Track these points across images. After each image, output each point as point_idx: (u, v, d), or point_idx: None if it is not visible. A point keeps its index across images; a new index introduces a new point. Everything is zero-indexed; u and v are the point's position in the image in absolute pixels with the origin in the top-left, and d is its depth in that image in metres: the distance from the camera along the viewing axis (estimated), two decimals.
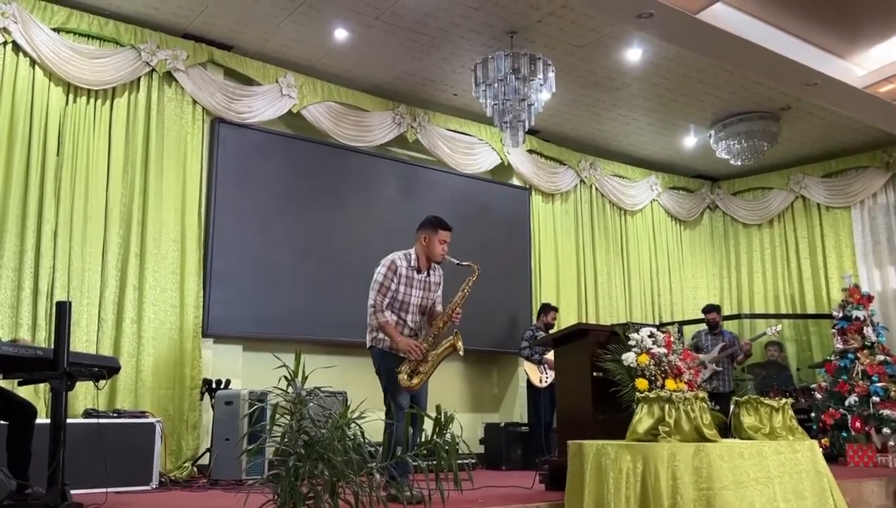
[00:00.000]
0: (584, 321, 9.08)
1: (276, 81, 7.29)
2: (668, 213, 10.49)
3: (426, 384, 4.55)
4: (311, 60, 7.34)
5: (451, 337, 4.48)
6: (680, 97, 8.18)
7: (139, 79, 6.63)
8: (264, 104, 7.22)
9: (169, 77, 6.76)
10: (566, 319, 8.77)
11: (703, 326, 8.51)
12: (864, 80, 6.95)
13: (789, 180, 10.18)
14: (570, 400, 4.79)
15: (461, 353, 4.49)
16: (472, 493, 4.27)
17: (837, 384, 7.68)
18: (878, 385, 7.40)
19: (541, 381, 7.69)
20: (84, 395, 5.81)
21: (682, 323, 9.47)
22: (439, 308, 4.66)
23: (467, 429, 7.98)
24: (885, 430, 7.08)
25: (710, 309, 8.51)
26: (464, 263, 4.65)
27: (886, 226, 9.50)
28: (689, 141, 9.36)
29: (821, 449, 4.47)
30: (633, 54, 7.19)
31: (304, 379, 2.62)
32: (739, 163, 9.01)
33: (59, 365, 3.75)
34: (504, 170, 8.99)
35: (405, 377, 4.32)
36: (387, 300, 4.46)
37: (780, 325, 8.72)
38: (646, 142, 9.52)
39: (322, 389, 2.87)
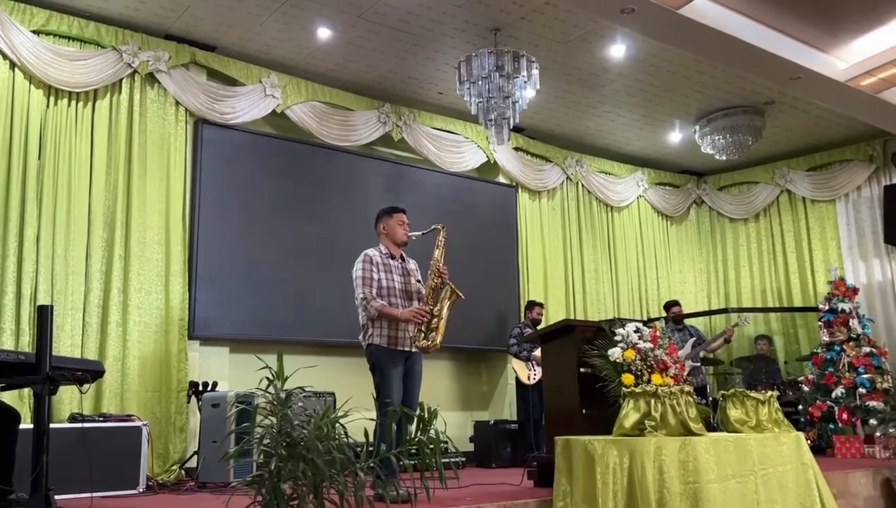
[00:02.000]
0: (571, 317, 9.09)
1: (260, 81, 7.26)
2: (654, 209, 10.52)
3: (419, 383, 4.59)
4: (295, 60, 7.31)
5: (447, 287, 4.61)
6: (664, 93, 8.20)
7: (121, 80, 6.58)
8: (248, 104, 7.19)
9: (151, 78, 6.72)
10: (554, 315, 8.78)
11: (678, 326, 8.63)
12: (847, 74, 6.99)
13: (774, 174, 10.23)
14: (558, 395, 4.79)
15: (462, 296, 4.64)
16: (460, 491, 4.27)
17: (824, 376, 7.72)
18: (865, 376, 7.44)
19: (529, 378, 7.70)
20: (70, 400, 5.77)
21: (668, 319, 9.49)
22: (424, 291, 4.71)
23: (457, 427, 8.00)
24: (872, 421, 7.12)
25: (672, 303, 8.72)
26: (428, 230, 4.80)
27: (871, 219, 9.55)
28: (675, 136, 9.39)
29: (807, 441, 4.50)
30: (617, 50, 7.21)
31: (285, 379, 2.61)
32: (724, 158, 9.05)
33: (41, 370, 3.72)
34: (490, 168, 8.99)
35: (421, 339, 4.47)
36: (374, 290, 4.50)
37: (750, 316, 8.80)
38: (631, 138, 9.54)
39: (307, 389, 2.86)
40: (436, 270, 4.64)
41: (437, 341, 4.53)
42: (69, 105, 6.33)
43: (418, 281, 4.74)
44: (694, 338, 8.26)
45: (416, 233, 4.77)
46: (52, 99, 6.25)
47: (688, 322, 8.90)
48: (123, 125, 6.55)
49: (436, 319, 4.55)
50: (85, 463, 4.69)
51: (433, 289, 4.62)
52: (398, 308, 4.55)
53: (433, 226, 4.82)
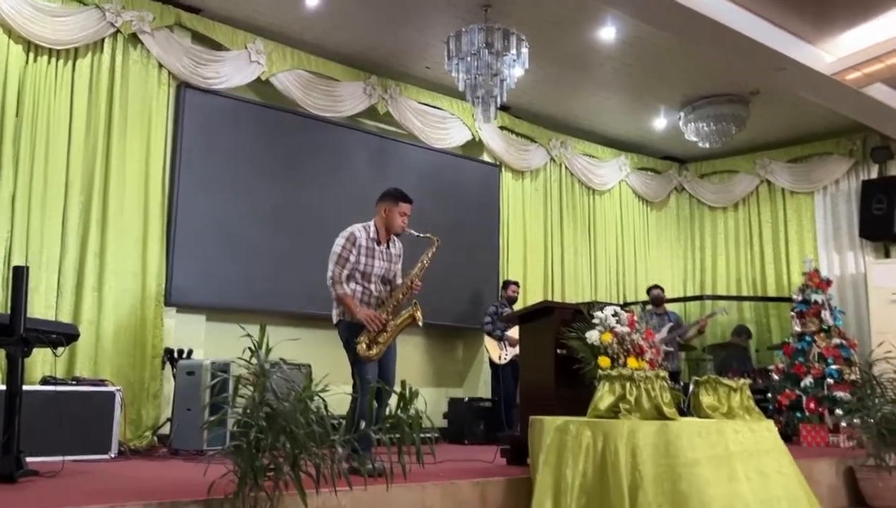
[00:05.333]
0: (550, 299, 9.15)
1: (245, 47, 7.16)
2: (635, 194, 10.57)
3: (394, 358, 4.57)
4: (282, 27, 7.21)
5: (410, 308, 4.50)
6: (651, 78, 8.20)
7: (103, 40, 6.45)
8: (232, 70, 7.09)
9: (134, 39, 6.59)
10: (532, 296, 8.83)
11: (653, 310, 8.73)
12: (833, 67, 7.03)
13: (755, 164, 10.30)
14: (534, 376, 4.83)
15: (420, 324, 4.51)
16: (433, 467, 4.29)
17: (794, 366, 7.84)
18: (833, 367, 7.57)
19: (500, 358, 7.74)
20: (42, 362, 5.70)
21: (646, 303, 9.58)
22: (399, 280, 4.67)
23: (431, 404, 8.03)
24: (838, 411, 7.26)
25: (654, 286, 8.85)
26: (423, 235, 4.66)
27: (847, 213, 9.67)
28: (659, 122, 9.42)
29: (776, 428, 4.58)
30: (607, 33, 7.19)
31: (268, 351, 2.60)
32: (707, 146, 9.09)
33: (15, 331, 3.69)
34: (475, 146, 8.97)
35: (364, 347, 4.34)
36: (345, 272, 4.45)
37: (729, 308, 8.89)
38: (616, 122, 9.55)
39: (286, 361, 2.85)
40: (409, 283, 4.53)
41: (377, 352, 4.37)
42: (49, 63, 6.19)
43: (396, 274, 4.66)
44: (671, 324, 8.36)
45: (413, 232, 4.64)
46: (31, 55, 6.11)
47: (669, 308, 8.98)
48: (104, 86, 6.43)
49: (385, 334, 4.40)
50: (56, 427, 4.66)
51: (398, 302, 4.51)
52: (374, 292, 4.52)
53: (429, 235, 4.67)
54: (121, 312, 6.27)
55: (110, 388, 5.55)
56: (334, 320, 4.54)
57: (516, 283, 8.30)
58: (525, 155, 9.34)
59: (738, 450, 4.08)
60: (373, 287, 4.54)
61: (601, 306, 4.59)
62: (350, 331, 4.45)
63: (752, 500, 3.93)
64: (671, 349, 8.23)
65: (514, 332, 7.54)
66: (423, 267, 4.60)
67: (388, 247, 4.63)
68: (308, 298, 6.94)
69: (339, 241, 4.51)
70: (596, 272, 9.99)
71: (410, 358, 8.01)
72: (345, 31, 7.28)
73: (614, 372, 4.04)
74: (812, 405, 7.49)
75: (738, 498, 3.87)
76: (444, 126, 8.61)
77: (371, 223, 4.61)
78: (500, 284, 8.53)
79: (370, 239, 4.54)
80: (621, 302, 9.68)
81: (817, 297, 8.04)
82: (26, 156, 5.98)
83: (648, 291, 8.85)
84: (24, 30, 5.97)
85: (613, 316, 4.44)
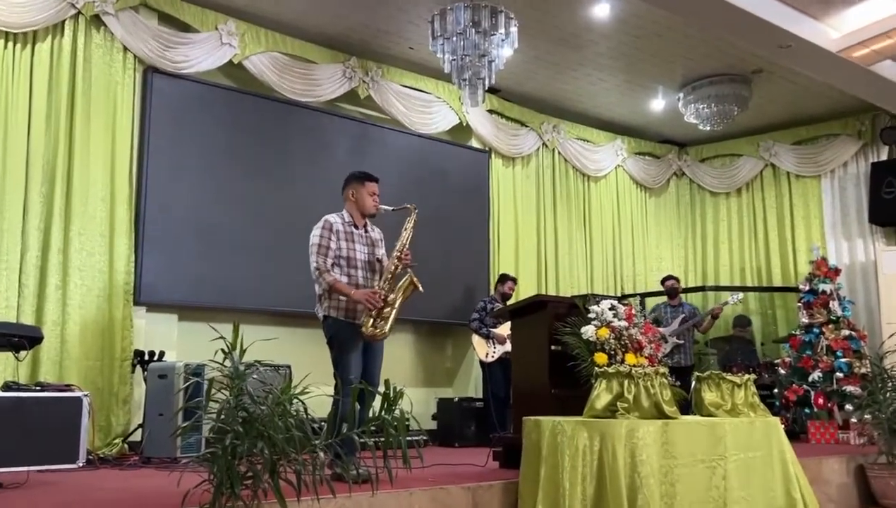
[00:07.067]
0: (543, 292, 9.17)
1: (216, 28, 7.12)
2: (633, 180, 10.60)
3: (379, 358, 4.58)
4: (254, 7, 7.18)
5: (407, 277, 4.54)
6: (649, 57, 8.22)
7: (63, 22, 6.40)
8: (202, 53, 7.05)
9: (97, 21, 6.55)
10: (525, 290, 8.85)
11: (663, 299, 8.70)
12: (839, 44, 7.04)
13: (759, 147, 10.35)
14: (527, 374, 4.84)
15: (421, 289, 4.54)
16: (422, 472, 4.31)
17: (801, 359, 7.89)
18: (842, 360, 7.63)
19: (487, 356, 7.74)
20: (3, 367, 5.68)
21: (644, 295, 9.63)
22: (387, 262, 4.69)
23: (419, 404, 8.05)
24: (848, 407, 7.32)
25: (668, 277, 8.78)
26: (398, 207, 4.72)
27: (856, 197, 9.72)
28: (657, 104, 9.44)
29: (782, 426, 4.62)
30: (601, 10, 7.19)
31: (243, 352, 2.60)
32: (708, 129, 9.12)
33: None
34: (462, 130, 8.96)
35: (369, 326, 4.36)
36: (329, 260, 4.47)
37: (742, 295, 8.91)
38: (612, 104, 9.56)
39: (263, 363, 2.85)
40: (398, 254, 4.56)
41: (385, 330, 4.42)
42: (5, 47, 6.14)
43: (380, 258, 4.69)
44: (684, 315, 8.33)
45: (387, 208, 4.68)
46: None
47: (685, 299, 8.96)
48: (66, 71, 6.39)
49: (388, 308, 4.43)
50: (20, 436, 4.64)
51: (392, 275, 4.54)
52: (360, 280, 4.53)
53: (405, 205, 4.72)
54: (87, 312, 6.25)
55: (77, 394, 5.51)
56: (320, 316, 4.54)
57: (514, 280, 8.21)
58: (515, 140, 9.34)
59: (741, 450, 4.12)
60: (359, 274, 4.54)
61: (597, 299, 4.61)
62: (335, 328, 4.45)
63: (751, 501, 3.98)
64: (681, 342, 8.23)
65: (501, 329, 7.56)
66: (408, 236, 4.65)
67: (366, 231, 4.67)
68: (289, 295, 6.95)
69: (316, 232, 4.53)
70: (591, 263, 10.01)
71: (397, 357, 8.01)
72: (322, 10, 7.26)
73: (611, 370, 4.06)
74: (820, 400, 7.54)
75: (739, 500, 3.91)
76: (429, 110, 8.60)
77: (343, 211, 4.66)
78: (495, 278, 8.49)
79: (346, 223, 4.59)
80: (619, 295, 9.72)
81: (825, 287, 8.09)
82: None
83: (663, 282, 8.78)
84: None
85: (610, 309, 4.46)
